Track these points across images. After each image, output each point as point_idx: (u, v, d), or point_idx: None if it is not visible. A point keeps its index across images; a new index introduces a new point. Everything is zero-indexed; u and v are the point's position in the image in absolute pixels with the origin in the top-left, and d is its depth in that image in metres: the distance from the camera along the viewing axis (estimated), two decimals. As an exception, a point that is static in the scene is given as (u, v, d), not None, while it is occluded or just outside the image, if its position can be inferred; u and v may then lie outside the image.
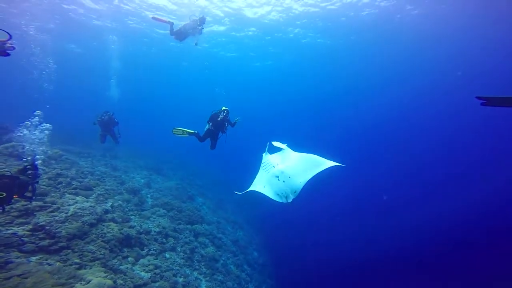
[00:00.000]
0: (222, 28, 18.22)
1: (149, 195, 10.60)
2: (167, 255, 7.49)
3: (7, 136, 10.30)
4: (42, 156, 8.93)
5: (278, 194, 4.53)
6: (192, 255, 8.27)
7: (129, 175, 12.04)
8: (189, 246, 8.45)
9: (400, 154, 39.66)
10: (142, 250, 6.96)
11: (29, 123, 6.69)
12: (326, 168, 4.40)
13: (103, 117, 9.88)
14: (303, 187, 4.45)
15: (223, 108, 6.58)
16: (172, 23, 8.98)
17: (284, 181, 4.54)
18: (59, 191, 6.82)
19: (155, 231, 8.00)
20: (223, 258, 9.31)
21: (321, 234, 16.75)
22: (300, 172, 4.57)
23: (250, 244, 12.05)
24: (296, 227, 17.93)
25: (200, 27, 8.71)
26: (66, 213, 5.74)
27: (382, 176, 37.21)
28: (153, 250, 7.19)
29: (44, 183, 6.83)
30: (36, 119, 6.56)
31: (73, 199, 6.57)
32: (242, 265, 10.02)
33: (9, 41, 3.97)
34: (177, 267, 7.17)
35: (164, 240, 7.89)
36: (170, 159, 19.43)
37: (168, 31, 9.15)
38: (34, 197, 4.69)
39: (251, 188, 4.66)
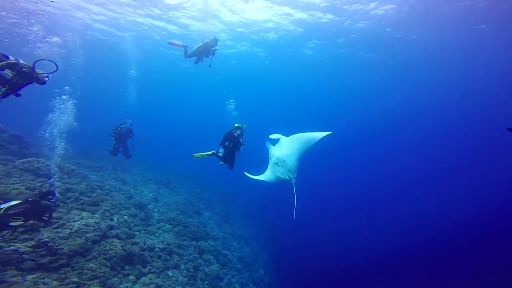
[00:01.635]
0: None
1: (155, 210, 10.61)
2: (170, 273, 7.37)
3: (33, 149, 10.68)
4: (57, 170, 9.23)
5: (282, 178, 5.23)
6: (196, 273, 8.11)
7: (138, 189, 12.16)
8: (193, 263, 8.30)
9: (399, 154, 39.18)
10: (144, 267, 6.88)
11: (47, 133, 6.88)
12: (317, 142, 5.05)
13: (120, 128, 9.86)
14: (300, 165, 5.21)
15: (236, 125, 6.58)
16: (186, 46, 9.21)
17: (282, 166, 5.29)
18: (67, 206, 6.93)
19: (159, 248, 7.93)
20: (228, 277, 9.08)
21: (333, 256, 16.24)
22: (292, 153, 5.36)
23: (256, 261, 11.73)
24: (304, 240, 17.52)
25: (213, 48, 8.85)
26: (71, 229, 5.79)
27: (381, 176, 37.15)
28: (156, 267, 7.09)
29: (45, 189, 6.96)
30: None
31: (79, 215, 6.64)
32: (248, 284, 9.73)
33: (46, 73, 4.44)
34: (179, 286, 7.02)
35: (167, 257, 7.79)
36: (179, 171, 19.59)
37: (183, 54, 9.46)
38: (49, 222, 4.71)
39: (259, 177, 5.40)
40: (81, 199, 7.76)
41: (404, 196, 29.55)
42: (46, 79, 4.48)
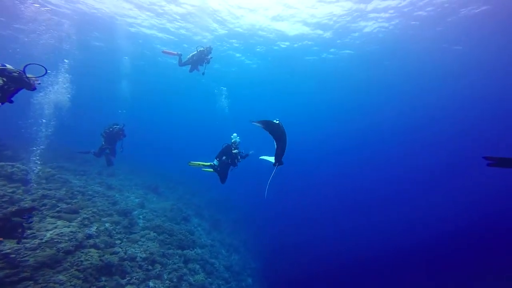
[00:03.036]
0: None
1: (141, 216, 10.13)
2: (151, 284, 6.92)
3: (10, 152, 10.12)
4: (34, 175, 8.73)
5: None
6: (180, 283, 7.66)
7: (124, 194, 11.67)
8: (177, 273, 7.85)
9: (398, 155, 39.48)
10: (123, 278, 6.43)
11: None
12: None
13: (111, 129, 9.46)
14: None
15: (233, 140, 6.56)
16: (181, 55, 9.22)
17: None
18: (41, 214, 6.46)
19: (141, 257, 7.48)
20: (214, 286, 8.65)
21: (327, 264, 16.01)
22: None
23: (244, 270, 11.31)
24: (296, 247, 17.19)
25: (208, 57, 8.82)
26: (41, 239, 5.34)
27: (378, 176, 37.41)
28: (136, 278, 6.64)
29: (27, 205, 6.49)
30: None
31: (53, 224, 6.18)
32: (235, 294, 9.32)
33: (38, 78, 4.21)
34: (160, 298, 6.58)
35: (150, 267, 7.34)
36: (169, 175, 19.10)
37: (177, 63, 9.37)
38: (21, 240, 4.36)
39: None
40: (58, 206, 7.29)
41: (403, 197, 30.03)
42: (38, 83, 4.23)
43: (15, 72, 3.91)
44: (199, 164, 6.56)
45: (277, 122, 4.59)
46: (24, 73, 3.99)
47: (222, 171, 6.62)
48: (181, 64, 9.29)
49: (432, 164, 35.74)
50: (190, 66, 9.24)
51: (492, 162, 2.24)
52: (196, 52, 8.88)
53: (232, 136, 6.62)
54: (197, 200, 15.52)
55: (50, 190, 8.09)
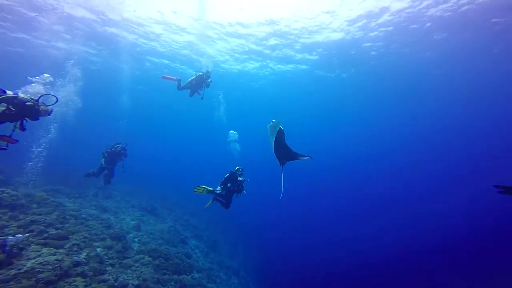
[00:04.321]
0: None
1: (136, 240, 9.61)
2: (143, 316, 6.32)
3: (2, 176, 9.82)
4: (25, 200, 8.34)
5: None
6: (174, 313, 7.05)
7: (119, 216, 11.18)
8: (172, 301, 7.26)
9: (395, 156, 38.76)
10: (112, 310, 5.87)
11: None
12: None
13: (113, 149, 9.28)
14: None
15: (237, 167, 6.59)
16: (180, 80, 9.21)
17: None
18: (26, 241, 6.01)
19: (133, 284, 6.91)
20: (212, 315, 7.98)
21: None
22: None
23: (245, 294, 10.58)
24: (301, 267, 16.32)
25: (208, 80, 8.82)
26: (19, 269, 4.87)
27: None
28: (126, 310, 6.07)
29: (11, 231, 6.07)
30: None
31: (38, 252, 5.73)
32: (234, 322, 8.58)
33: (49, 107, 4.38)
34: (151, 332, 5.96)
35: (142, 296, 6.77)
36: (167, 195, 18.57)
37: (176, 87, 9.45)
38: None
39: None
40: (47, 232, 6.84)
41: (403, 202, 29.57)
42: (51, 111, 4.42)
43: (29, 102, 3.98)
44: (204, 188, 6.41)
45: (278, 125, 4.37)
46: (37, 102, 4.09)
47: (227, 198, 6.59)
48: (180, 88, 9.31)
49: (433, 168, 35.23)
50: (190, 90, 9.23)
51: (502, 190, 2.35)
52: (195, 76, 8.89)
53: (236, 168, 6.63)
54: (195, 221, 14.91)
55: (40, 215, 7.67)
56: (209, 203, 6.81)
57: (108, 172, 9.68)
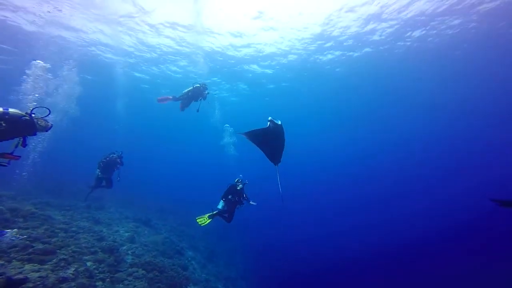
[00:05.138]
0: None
1: (130, 252, 9.13)
2: (135, 335, 5.85)
3: None
4: (10, 214, 7.89)
5: None
6: (169, 330, 6.57)
7: (112, 228, 10.68)
8: (166, 317, 6.79)
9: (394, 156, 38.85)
10: (100, 331, 5.41)
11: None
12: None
13: (108, 158, 9.18)
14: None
15: (237, 180, 6.65)
16: (175, 96, 9.13)
17: None
18: (7, 257, 5.57)
19: (124, 301, 6.46)
20: (209, 330, 7.49)
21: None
22: None
23: (244, 306, 10.07)
24: (302, 276, 15.82)
25: (206, 92, 8.76)
26: (-3, 290, 4.46)
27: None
28: (116, 329, 5.61)
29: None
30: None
31: (19, 268, 5.29)
32: (233, 337, 8.09)
33: (49, 122, 4.31)
34: None
35: (134, 313, 6.31)
36: (162, 206, 18.05)
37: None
38: None
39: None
40: (32, 247, 6.39)
41: (390, 199, 29.74)
42: (51, 126, 4.36)
43: (24, 116, 3.82)
44: (205, 219, 6.49)
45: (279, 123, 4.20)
46: (31, 116, 3.94)
47: (229, 211, 6.62)
48: (176, 99, 9.14)
49: (422, 163, 35.44)
50: (182, 103, 8.98)
51: (500, 204, 2.39)
52: (192, 88, 8.75)
53: (238, 178, 6.69)
54: (192, 231, 14.41)
55: (26, 229, 7.22)
56: (206, 222, 6.68)
57: (106, 183, 9.64)
